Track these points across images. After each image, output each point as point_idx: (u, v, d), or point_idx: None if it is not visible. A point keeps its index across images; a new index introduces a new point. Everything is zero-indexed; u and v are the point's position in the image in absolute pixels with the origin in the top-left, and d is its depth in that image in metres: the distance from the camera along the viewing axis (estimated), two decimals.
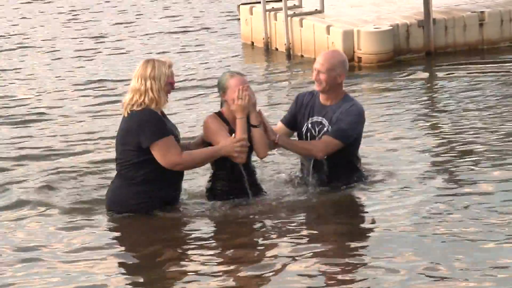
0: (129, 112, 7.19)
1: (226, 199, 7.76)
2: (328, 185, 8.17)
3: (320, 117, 7.78)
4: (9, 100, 13.50)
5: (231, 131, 7.47)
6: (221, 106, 7.62)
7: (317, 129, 7.69)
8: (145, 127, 7.16)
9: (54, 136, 11.04)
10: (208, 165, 8.06)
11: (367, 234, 7.36)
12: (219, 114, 7.57)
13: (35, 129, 11.53)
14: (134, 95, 7.13)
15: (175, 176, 7.64)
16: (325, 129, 7.77)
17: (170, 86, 7.31)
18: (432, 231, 7.09)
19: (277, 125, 8.09)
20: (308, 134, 7.71)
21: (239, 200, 7.82)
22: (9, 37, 20.25)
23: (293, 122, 8.03)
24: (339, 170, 8.14)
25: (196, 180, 8.43)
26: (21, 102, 13.21)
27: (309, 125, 7.80)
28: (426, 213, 7.51)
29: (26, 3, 23.90)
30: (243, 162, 7.55)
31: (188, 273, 6.61)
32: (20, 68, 16.04)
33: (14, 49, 17.96)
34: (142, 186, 7.57)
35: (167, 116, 7.75)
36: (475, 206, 7.60)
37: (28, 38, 20.18)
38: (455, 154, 9.02)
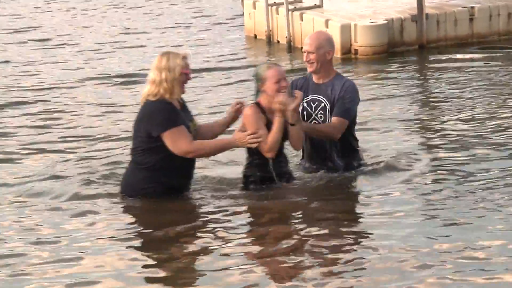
0: (144, 101, 7.36)
1: (259, 185, 7.86)
2: (329, 168, 8.21)
3: (315, 95, 7.90)
4: (28, 90, 13.31)
5: (268, 121, 7.54)
6: (256, 95, 7.64)
7: (313, 106, 7.83)
8: (157, 117, 7.29)
9: (73, 127, 10.93)
10: (228, 156, 8.35)
11: (365, 218, 7.36)
12: (257, 105, 7.70)
13: (55, 120, 11.38)
14: (151, 86, 7.19)
15: (185, 165, 7.68)
16: (322, 104, 7.92)
17: (185, 76, 7.33)
18: (424, 215, 7.18)
19: None
20: (305, 112, 7.78)
21: (268, 187, 7.86)
22: (34, 30, 21.59)
23: None
24: (341, 152, 8.24)
25: (211, 170, 8.50)
26: (44, 92, 12.97)
27: (305, 104, 7.91)
28: (420, 197, 7.54)
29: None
30: (271, 156, 7.60)
31: (192, 255, 6.70)
32: (40, 60, 15.68)
33: (39, 40, 17.86)
34: (151, 172, 7.65)
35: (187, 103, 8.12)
36: (467, 193, 7.59)
37: (54, 31, 21.36)
38: (446, 142, 9.08)
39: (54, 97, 12.77)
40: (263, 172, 7.70)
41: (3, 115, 11.88)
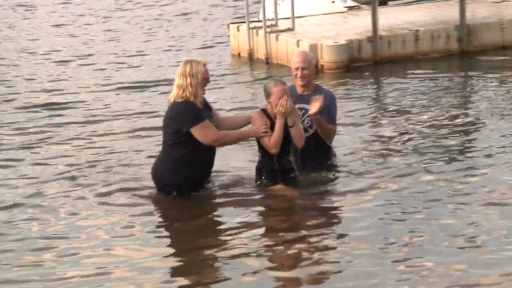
0: (172, 102, 7.84)
1: (268, 177, 8.34)
2: (313, 165, 8.79)
3: (301, 104, 8.38)
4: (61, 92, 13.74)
5: (273, 124, 8.09)
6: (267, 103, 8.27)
7: (300, 114, 8.32)
8: (184, 116, 7.72)
9: (99, 133, 11.01)
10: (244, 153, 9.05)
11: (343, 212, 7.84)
12: (264, 111, 8.18)
13: (88, 123, 11.60)
14: (178, 90, 7.72)
15: (205, 160, 8.21)
16: (308, 113, 8.44)
17: (205, 81, 7.84)
18: (393, 207, 7.67)
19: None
20: None
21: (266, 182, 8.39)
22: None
23: None
24: (322, 150, 8.85)
25: (227, 164, 8.96)
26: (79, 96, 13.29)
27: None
28: (386, 190, 8.04)
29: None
30: (275, 152, 8.06)
31: (207, 245, 7.03)
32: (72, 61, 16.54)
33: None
34: (177, 165, 8.07)
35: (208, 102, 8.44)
36: (431, 186, 8.07)
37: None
38: (399, 143, 9.55)
39: (89, 102, 12.83)
40: (269, 166, 8.28)
41: (53, 114, 12.01)
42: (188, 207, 8.15)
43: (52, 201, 8.35)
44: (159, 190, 8.36)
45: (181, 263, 7.03)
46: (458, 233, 7.08)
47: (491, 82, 12.54)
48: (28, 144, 10.82)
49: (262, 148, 8.11)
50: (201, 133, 7.77)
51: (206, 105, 8.08)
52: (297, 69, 8.39)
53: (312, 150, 8.68)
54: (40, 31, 21.89)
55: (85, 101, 13.19)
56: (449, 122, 10.70)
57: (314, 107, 8.23)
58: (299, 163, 8.73)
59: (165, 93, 12.92)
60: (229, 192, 8.37)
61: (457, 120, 10.73)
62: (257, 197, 8.28)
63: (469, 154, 9.30)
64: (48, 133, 11.26)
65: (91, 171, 9.35)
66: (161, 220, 7.99)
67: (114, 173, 9.25)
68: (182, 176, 8.05)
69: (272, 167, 8.29)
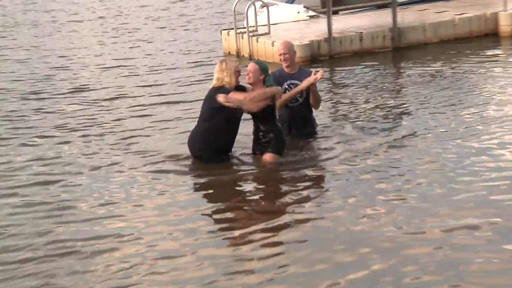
0: (212, 87, 8.44)
1: (255, 145, 8.61)
2: (304, 131, 9.23)
3: (292, 80, 9.04)
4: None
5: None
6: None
7: (292, 87, 8.93)
8: (220, 93, 8.29)
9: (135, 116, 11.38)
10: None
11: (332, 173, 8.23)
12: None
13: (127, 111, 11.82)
14: (218, 80, 8.41)
15: (230, 132, 8.60)
16: (301, 85, 8.92)
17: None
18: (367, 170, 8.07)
19: None
20: (287, 92, 8.89)
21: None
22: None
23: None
24: (309, 118, 9.37)
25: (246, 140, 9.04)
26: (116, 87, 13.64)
27: (286, 86, 9.03)
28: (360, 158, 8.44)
29: None
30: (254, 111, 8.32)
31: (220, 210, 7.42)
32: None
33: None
34: (206, 134, 8.54)
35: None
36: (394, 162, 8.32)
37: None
38: (353, 124, 9.91)
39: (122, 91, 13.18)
40: (255, 134, 8.61)
41: (112, 107, 12.07)
42: (211, 169, 8.49)
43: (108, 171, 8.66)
44: (193, 156, 8.77)
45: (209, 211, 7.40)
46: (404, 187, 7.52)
47: (417, 70, 13.29)
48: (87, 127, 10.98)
49: (253, 119, 8.56)
50: (234, 97, 8.23)
51: (239, 89, 8.59)
52: (281, 54, 9.08)
53: (304, 115, 9.20)
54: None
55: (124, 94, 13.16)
56: (385, 102, 11.23)
57: (316, 76, 8.75)
58: (294, 131, 9.19)
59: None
60: (242, 158, 8.78)
61: (391, 102, 11.25)
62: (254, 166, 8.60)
63: (400, 130, 9.61)
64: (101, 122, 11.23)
65: (140, 143, 9.76)
66: (193, 181, 8.34)
67: (161, 144, 9.62)
68: (210, 144, 8.53)
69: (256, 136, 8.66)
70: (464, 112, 10.18)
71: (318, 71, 8.89)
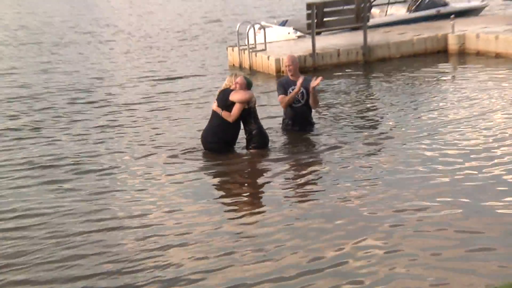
0: (222, 89, 8.74)
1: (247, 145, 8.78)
2: (304, 128, 9.41)
3: (294, 86, 9.23)
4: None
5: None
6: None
7: (296, 90, 9.01)
8: (225, 94, 8.60)
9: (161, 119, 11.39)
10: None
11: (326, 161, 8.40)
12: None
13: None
14: (226, 85, 8.80)
15: (235, 127, 8.78)
16: (301, 90, 9.20)
17: (235, 85, 8.65)
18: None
19: (281, 96, 9.34)
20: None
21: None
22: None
23: (285, 92, 9.28)
24: (309, 117, 9.56)
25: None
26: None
27: (291, 90, 9.22)
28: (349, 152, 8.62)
29: None
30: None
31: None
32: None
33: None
34: (215, 129, 8.75)
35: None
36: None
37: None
38: (334, 125, 10.02)
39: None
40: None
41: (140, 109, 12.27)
42: (219, 159, 8.73)
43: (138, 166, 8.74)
44: (205, 148, 8.92)
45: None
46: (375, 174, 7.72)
47: (383, 79, 13.51)
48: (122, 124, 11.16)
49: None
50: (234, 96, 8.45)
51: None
52: (286, 66, 9.41)
53: (305, 115, 9.36)
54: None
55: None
56: (359, 104, 11.45)
57: (316, 81, 9.06)
58: (296, 128, 9.39)
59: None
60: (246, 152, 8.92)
61: (363, 104, 11.50)
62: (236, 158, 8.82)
63: (373, 131, 9.77)
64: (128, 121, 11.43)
65: (161, 138, 9.99)
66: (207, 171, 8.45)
67: (177, 142, 9.68)
68: (218, 137, 8.74)
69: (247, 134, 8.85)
70: (422, 114, 10.37)
71: (317, 77, 9.16)
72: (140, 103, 12.78)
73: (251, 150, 8.73)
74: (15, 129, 11.06)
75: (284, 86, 9.20)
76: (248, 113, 8.56)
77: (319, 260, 5.76)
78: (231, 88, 8.59)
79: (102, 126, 11.12)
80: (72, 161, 9.11)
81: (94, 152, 9.49)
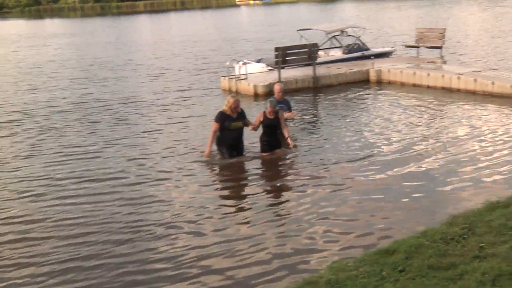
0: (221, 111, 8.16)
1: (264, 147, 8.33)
2: (279, 147, 8.75)
3: (279, 104, 8.98)
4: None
5: (264, 120, 8.11)
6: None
7: (280, 108, 8.71)
8: (216, 115, 8.17)
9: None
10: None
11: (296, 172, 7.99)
12: (264, 113, 8.41)
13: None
14: (226, 104, 8.23)
15: (230, 138, 8.29)
16: (285, 108, 9.16)
17: (232, 105, 8.20)
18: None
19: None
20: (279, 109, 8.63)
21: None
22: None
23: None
24: (281, 135, 8.87)
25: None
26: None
27: (278, 107, 8.80)
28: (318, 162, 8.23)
29: None
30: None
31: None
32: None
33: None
34: (219, 138, 8.42)
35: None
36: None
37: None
38: (312, 140, 9.63)
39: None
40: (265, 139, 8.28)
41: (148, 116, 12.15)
42: (222, 166, 8.24)
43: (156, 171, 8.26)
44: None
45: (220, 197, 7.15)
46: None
47: (328, 100, 13.62)
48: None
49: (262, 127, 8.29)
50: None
51: (240, 115, 8.34)
52: (277, 91, 9.44)
53: (277, 137, 8.77)
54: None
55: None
56: (309, 118, 11.51)
57: (292, 115, 9.06)
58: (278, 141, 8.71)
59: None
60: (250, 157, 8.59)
61: (313, 117, 11.59)
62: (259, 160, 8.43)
63: (311, 141, 9.50)
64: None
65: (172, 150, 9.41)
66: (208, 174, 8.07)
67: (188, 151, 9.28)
68: (221, 145, 8.43)
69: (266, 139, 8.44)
70: (355, 127, 10.49)
71: (293, 112, 9.33)
72: (161, 125, 11.83)
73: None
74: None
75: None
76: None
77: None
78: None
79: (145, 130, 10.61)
80: (120, 152, 8.65)
81: (132, 143, 9.10)
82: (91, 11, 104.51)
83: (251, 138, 9.05)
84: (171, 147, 9.59)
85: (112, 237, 5.95)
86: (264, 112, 8.26)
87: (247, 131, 8.68)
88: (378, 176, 7.52)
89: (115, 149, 9.62)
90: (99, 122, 12.28)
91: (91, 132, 11.13)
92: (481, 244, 4.77)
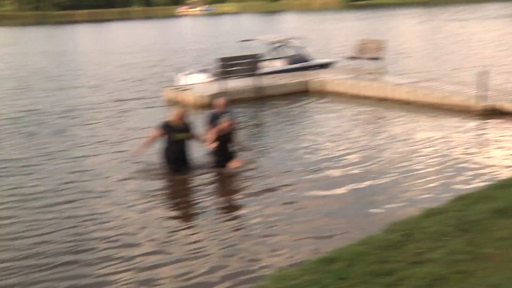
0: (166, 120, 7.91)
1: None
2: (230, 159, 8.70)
3: (221, 115, 8.76)
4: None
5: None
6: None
7: (221, 119, 8.45)
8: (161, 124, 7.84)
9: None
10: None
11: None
12: (218, 130, 8.36)
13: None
14: (172, 117, 7.96)
15: (171, 149, 8.15)
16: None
17: (177, 117, 8.08)
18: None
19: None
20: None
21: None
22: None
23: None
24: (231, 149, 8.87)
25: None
26: None
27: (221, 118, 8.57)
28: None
29: None
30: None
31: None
32: None
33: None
34: (163, 150, 8.07)
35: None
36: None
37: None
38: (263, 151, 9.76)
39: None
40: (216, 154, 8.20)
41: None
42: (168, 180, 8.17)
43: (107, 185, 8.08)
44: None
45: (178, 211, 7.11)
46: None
47: (270, 109, 13.96)
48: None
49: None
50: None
51: (185, 127, 8.28)
52: (219, 103, 9.27)
53: (230, 150, 8.70)
54: None
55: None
56: (252, 135, 11.26)
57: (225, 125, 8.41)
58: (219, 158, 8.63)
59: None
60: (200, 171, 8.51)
61: (255, 122, 12.12)
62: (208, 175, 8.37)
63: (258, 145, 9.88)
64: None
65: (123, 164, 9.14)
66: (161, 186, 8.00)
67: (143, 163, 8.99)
68: (164, 159, 8.37)
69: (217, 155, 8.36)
70: (299, 138, 10.69)
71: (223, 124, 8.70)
72: (121, 139, 11.57)
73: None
74: None
75: (217, 115, 8.99)
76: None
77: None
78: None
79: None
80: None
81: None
82: (29, 19, 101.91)
83: (199, 152, 9.00)
84: (113, 160, 9.46)
85: (43, 261, 5.79)
86: (219, 128, 8.24)
87: (195, 144, 8.72)
88: (321, 187, 7.75)
89: (54, 163, 9.41)
90: (36, 134, 11.92)
91: (27, 145, 10.82)
92: (419, 250, 4.90)
